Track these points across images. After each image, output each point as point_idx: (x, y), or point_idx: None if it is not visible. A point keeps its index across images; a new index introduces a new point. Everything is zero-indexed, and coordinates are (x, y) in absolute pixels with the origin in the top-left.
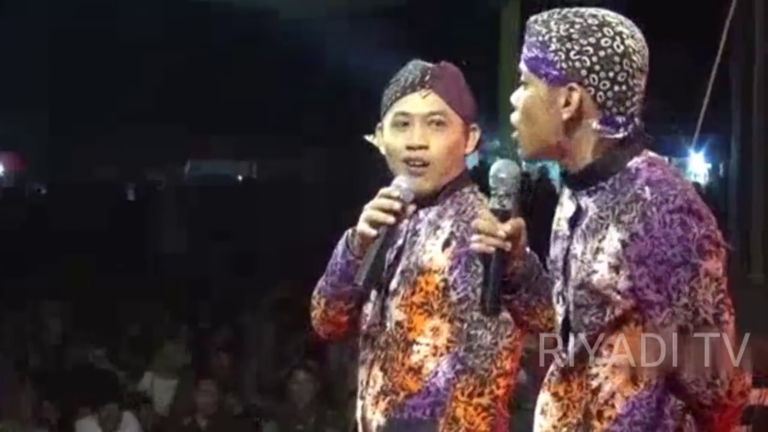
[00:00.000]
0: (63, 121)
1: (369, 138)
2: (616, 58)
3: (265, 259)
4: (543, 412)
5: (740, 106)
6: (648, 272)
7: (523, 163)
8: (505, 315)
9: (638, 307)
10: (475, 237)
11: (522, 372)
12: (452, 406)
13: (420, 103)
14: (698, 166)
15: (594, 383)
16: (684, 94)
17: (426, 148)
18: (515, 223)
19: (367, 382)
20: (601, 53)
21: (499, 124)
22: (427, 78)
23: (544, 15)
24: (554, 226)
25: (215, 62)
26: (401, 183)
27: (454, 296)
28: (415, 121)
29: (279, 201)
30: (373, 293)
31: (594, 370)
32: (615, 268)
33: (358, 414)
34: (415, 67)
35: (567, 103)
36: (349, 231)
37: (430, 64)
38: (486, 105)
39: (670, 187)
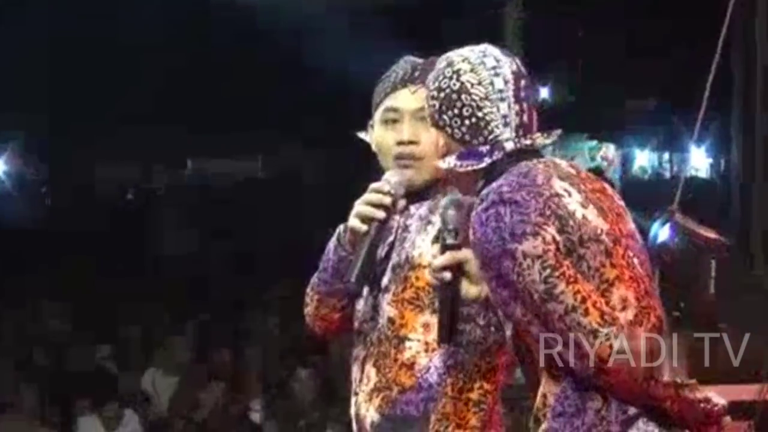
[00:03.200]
0: (63, 121)
1: (361, 135)
2: (454, 96)
3: (266, 257)
4: None
5: (741, 102)
6: (489, 274)
7: None
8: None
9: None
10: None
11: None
12: (442, 402)
13: (409, 98)
14: (699, 161)
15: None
16: (685, 89)
17: (416, 143)
18: (450, 255)
19: (361, 379)
20: (442, 95)
21: None
22: (417, 73)
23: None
24: None
25: (215, 63)
26: (391, 178)
27: None
28: (405, 117)
29: (279, 200)
30: (366, 290)
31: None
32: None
33: (353, 411)
34: (405, 62)
35: None
36: (341, 227)
37: (419, 60)
38: None
39: (491, 190)
